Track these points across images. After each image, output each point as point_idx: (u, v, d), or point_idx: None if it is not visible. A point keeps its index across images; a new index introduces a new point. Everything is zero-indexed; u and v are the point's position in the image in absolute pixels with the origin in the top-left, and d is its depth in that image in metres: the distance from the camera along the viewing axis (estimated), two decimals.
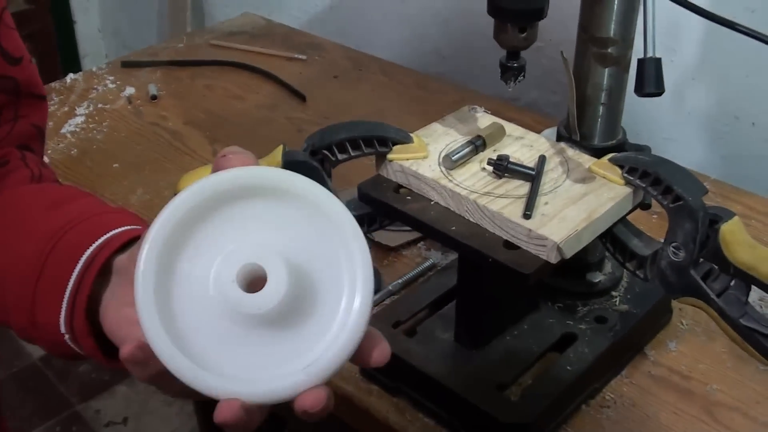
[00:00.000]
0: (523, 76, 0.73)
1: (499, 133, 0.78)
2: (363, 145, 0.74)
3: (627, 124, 0.82)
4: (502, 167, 0.72)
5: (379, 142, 0.75)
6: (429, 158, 0.75)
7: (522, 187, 0.71)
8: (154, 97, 1.37)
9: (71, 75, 1.43)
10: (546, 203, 0.69)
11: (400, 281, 0.94)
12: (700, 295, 0.67)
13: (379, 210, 0.76)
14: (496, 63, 0.73)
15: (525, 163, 0.74)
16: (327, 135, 0.74)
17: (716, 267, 0.67)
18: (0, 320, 0.62)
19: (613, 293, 0.86)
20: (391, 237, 0.99)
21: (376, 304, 0.91)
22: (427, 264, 0.97)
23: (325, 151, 0.74)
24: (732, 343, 0.67)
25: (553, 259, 0.66)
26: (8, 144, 0.74)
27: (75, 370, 2.09)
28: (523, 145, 0.78)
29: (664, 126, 1.23)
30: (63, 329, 0.57)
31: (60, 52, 2.47)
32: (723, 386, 0.82)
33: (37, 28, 2.42)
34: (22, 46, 0.75)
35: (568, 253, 0.66)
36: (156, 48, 1.55)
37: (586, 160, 0.75)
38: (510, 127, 0.80)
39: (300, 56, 1.49)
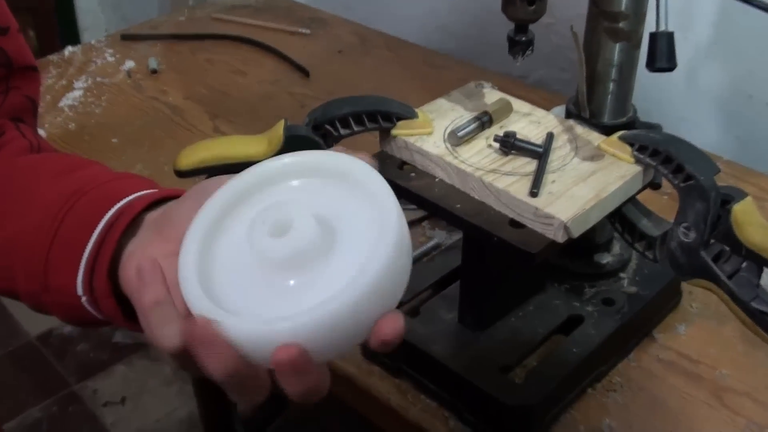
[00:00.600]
0: (531, 50, 0.72)
1: (506, 110, 0.77)
2: (366, 120, 0.74)
3: (638, 102, 0.81)
4: (509, 144, 0.72)
5: (383, 117, 0.74)
6: (434, 134, 0.75)
7: (529, 165, 0.71)
8: (154, 71, 1.36)
9: (70, 48, 1.43)
10: (553, 181, 0.69)
11: None
12: (710, 277, 0.67)
13: None
14: (505, 40, 0.72)
15: (532, 140, 0.73)
16: (330, 109, 0.74)
17: (727, 248, 0.66)
18: (6, 289, 0.62)
19: (621, 275, 0.86)
20: None
21: None
22: (431, 243, 0.97)
23: (328, 126, 0.74)
24: (743, 327, 0.67)
25: (560, 238, 0.65)
26: (1, 116, 0.74)
27: (72, 349, 2.10)
28: (530, 121, 0.77)
29: (675, 105, 1.22)
30: (80, 291, 0.57)
31: (59, 26, 2.46)
32: (733, 371, 0.81)
33: (37, 1, 2.41)
34: (9, 14, 0.74)
35: (576, 233, 0.66)
36: (157, 21, 1.54)
37: (596, 137, 0.74)
38: (517, 104, 0.79)
39: (304, 30, 1.48)
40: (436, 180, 0.73)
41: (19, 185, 0.64)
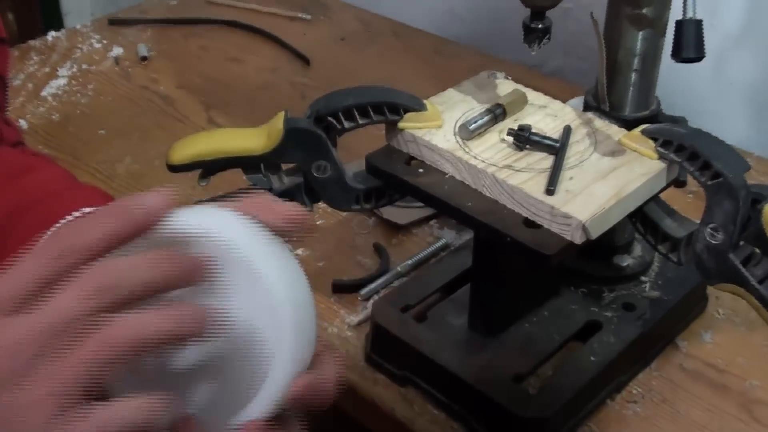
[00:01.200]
0: (548, 38, 0.73)
1: (520, 101, 0.78)
2: (372, 112, 0.74)
3: (662, 94, 0.82)
4: (524, 138, 0.72)
5: (390, 109, 0.74)
6: (444, 127, 0.75)
7: (545, 161, 0.71)
8: (144, 59, 1.36)
9: (53, 33, 1.43)
10: (571, 178, 0.69)
11: (409, 262, 0.94)
12: (739, 281, 0.67)
13: (388, 183, 0.76)
14: (520, 27, 0.73)
15: (548, 135, 0.73)
16: (333, 100, 0.74)
17: (758, 251, 0.66)
18: None
19: (643, 278, 0.86)
20: (400, 214, 1.00)
21: (383, 286, 0.92)
22: (439, 244, 0.97)
23: (331, 119, 0.74)
24: None
25: (578, 239, 0.65)
26: None
27: None
28: (546, 114, 0.77)
29: (702, 97, 1.22)
30: None
31: (41, 8, 2.47)
32: (763, 381, 0.82)
33: None
34: None
35: (594, 234, 0.66)
36: (147, 5, 1.55)
37: (616, 131, 0.75)
38: (533, 95, 0.80)
39: (304, 16, 1.49)
40: (446, 176, 0.73)
41: None
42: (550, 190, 0.67)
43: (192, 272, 0.45)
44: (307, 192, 0.77)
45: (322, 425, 0.57)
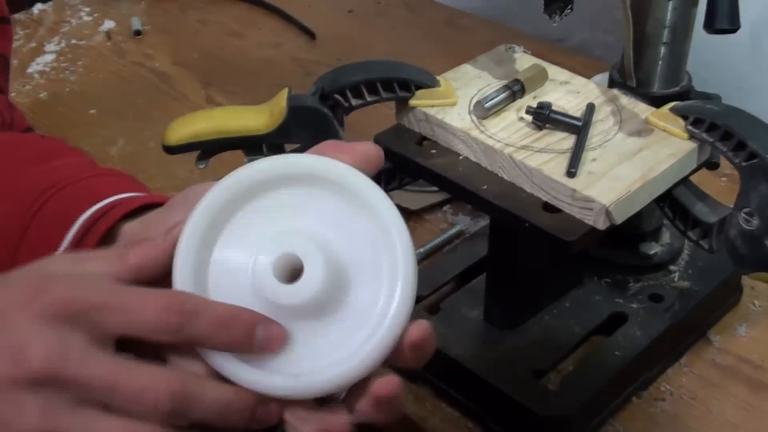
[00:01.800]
0: (571, 9, 0.72)
1: (540, 77, 0.78)
2: (381, 89, 0.74)
3: (693, 69, 0.81)
4: (543, 117, 0.72)
5: (400, 85, 0.75)
6: (458, 105, 0.75)
7: (566, 141, 0.71)
8: (137, 33, 1.37)
9: (39, 5, 1.44)
10: (594, 159, 0.69)
11: (421, 250, 0.95)
12: None
13: (399, 165, 0.76)
14: None
15: (570, 113, 0.73)
16: (339, 77, 0.74)
17: None
18: None
19: (672, 267, 0.86)
20: (412, 198, 1.00)
21: None
22: (453, 230, 0.97)
23: (337, 96, 0.74)
24: None
25: (601, 224, 0.66)
26: None
27: None
28: (568, 91, 0.77)
29: (738, 72, 1.21)
30: None
31: None
32: None
33: None
34: None
35: (619, 219, 0.66)
36: None
37: (643, 109, 0.75)
38: (553, 71, 0.79)
39: None
40: (460, 158, 0.73)
41: None
42: (571, 172, 0.67)
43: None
44: None
45: None
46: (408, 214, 1.00)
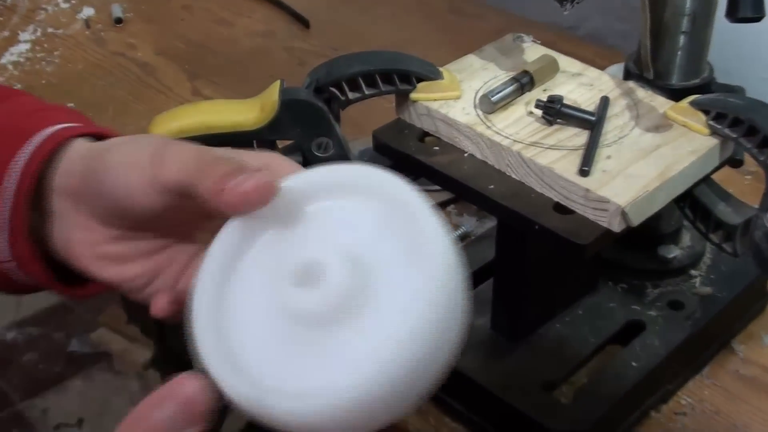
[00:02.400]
0: None
1: (550, 69, 0.78)
2: (380, 82, 0.75)
3: (714, 60, 0.82)
4: (554, 111, 0.72)
5: (401, 77, 0.75)
6: (462, 99, 0.75)
7: (578, 137, 0.71)
8: (118, 21, 1.37)
9: None
10: (608, 157, 0.69)
11: None
12: None
13: (399, 163, 0.76)
14: None
15: (583, 107, 0.74)
16: (335, 68, 0.75)
17: None
18: None
19: (693, 272, 0.86)
20: None
21: None
22: (458, 232, 0.98)
23: (333, 89, 0.74)
24: None
25: (616, 227, 0.66)
26: None
27: (17, 360, 2.11)
28: (580, 83, 0.77)
29: (763, 63, 1.22)
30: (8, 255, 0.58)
31: None
32: None
33: None
34: None
35: (636, 220, 0.66)
36: None
37: (661, 103, 0.75)
38: (565, 62, 0.80)
39: None
40: (465, 155, 0.73)
41: None
42: (584, 171, 0.67)
43: None
44: None
45: None
46: None
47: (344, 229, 0.52)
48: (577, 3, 0.73)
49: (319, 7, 1.39)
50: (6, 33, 1.34)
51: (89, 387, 2.32)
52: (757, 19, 0.71)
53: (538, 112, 0.73)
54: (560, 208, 0.68)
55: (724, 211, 0.71)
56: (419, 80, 0.75)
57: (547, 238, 0.67)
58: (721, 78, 0.82)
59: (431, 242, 0.50)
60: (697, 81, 0.80)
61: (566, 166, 0.68)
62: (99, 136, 0.61)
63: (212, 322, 0.51)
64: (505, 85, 0.75)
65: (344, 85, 0.74)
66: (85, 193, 0.57)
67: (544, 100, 0.73)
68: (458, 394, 0.80)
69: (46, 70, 1.27)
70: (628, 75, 0.81)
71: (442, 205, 1.01)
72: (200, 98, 1.21)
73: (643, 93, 0.76)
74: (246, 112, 0.74)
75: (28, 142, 0.58)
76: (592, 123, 0.72)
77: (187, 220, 0.58)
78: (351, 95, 0.75)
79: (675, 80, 0.80)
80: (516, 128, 0.72)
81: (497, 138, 0.71)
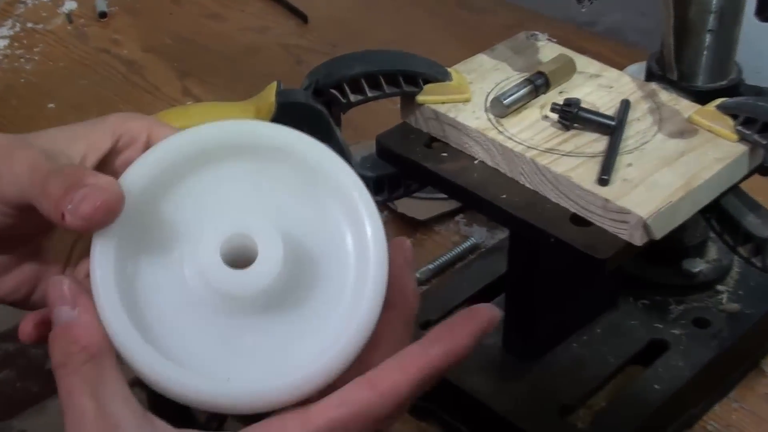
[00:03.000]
0: None
1: (567, 69, 0.78)
2: (384, 83, 0.75)
3: (743, 61, 0.82)
4: (571, 115, 0.72)
5: (406, 79, 0.75)
6: (472, 102, 0.75)
7: (597, 143, 0.71)
8: (102, 15, 1.37)
9: None
10: (629, 165, 0.69)
11: (431, 266, 0.95)
12: None
13: (405, 170, 0.76)
14: None
15: (602, 110, 0.74)
16: (336, 69, 0.75)
17: None
18: None
19: (719, 287, 0.86)
20: (420, 207, 1.00)
21: None
22: (467, 244, 0.98)
23: (334, 91, 0.74)
24: None
25: (638, 240, 0.66)
26: None
27: None
28: (599, 85, 0.77)
29: None
30: None
31: None
32: None
33: None
34: None
35: (659, 233, 0.66)
36: None
37: (686, 107, 0.75)
38: (582, 62, 0.80)
39: None
40: (475, 162, 0.73)
41: None
42: (603, 179, 0.67)
43: None
44: None
45: None
46: (415, 225, 1.00)
47: (269, 196, 0.52)
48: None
49: (319, 1, 1.39)
50: None
51: None
52: None
53: (554, 117, 0.73)
54: (577, 220, 0.68)
55: (754, 223, 0.71)
56: (426, 81, 0.75)
57: (563, 251, 0.67)
58: (749, 79, 0.82)
59: (367, 230, 0.50)
60: (724, 83, 0.80)
61: (584, 174, 0.68)
62: None
63: (119, 290, 0.49)
64: (519, 87, 0.75)
65: (345, 86, 0.74)
66: None
67: (561, 103, 0.73)
68: (467, 418, 0.80)
69: (25, 68, 1.27)
70: (650, 76, 0.81)
71: (450, 215, 1.01)
72: (190, 98, 1.21)
73: (666, 96, 0.76)
74: (240, 115, 0.74)
75: None
76: (612, 128, 0.72)
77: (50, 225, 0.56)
78: (353, 97, 0.75)
79: (700, 82, 0.80)
80: (530, 133, 0.72)
81: (510, 144, 0.71)
